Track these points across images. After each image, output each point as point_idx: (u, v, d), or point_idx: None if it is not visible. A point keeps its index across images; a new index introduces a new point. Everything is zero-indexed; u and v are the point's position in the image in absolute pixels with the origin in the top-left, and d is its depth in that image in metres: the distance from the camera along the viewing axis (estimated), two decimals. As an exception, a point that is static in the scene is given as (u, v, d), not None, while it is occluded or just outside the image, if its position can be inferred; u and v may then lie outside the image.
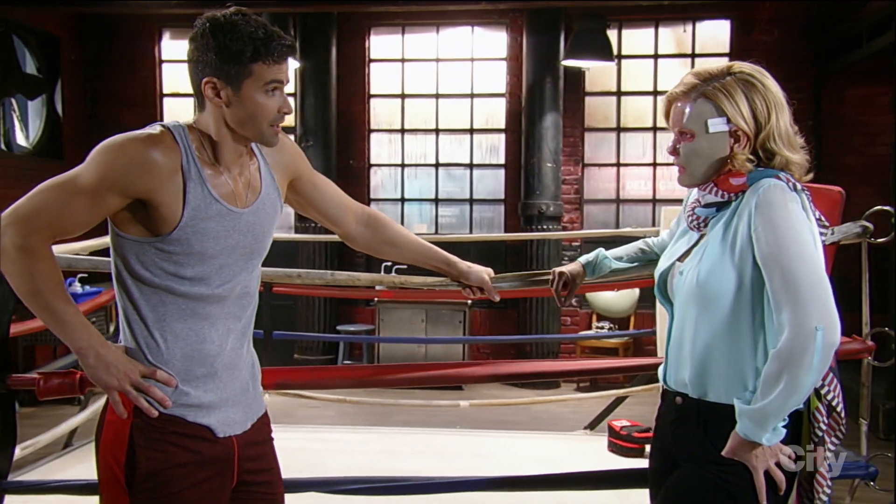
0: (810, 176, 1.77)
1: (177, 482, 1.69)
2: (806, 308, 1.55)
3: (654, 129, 7.84)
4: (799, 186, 1.68)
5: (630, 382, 5.78)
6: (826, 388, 1.69)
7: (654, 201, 7.87)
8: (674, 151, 1.81)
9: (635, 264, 2.19)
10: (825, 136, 7.49)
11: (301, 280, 2.23)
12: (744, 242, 1.66)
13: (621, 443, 4.75)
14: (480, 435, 5.27)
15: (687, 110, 1.75)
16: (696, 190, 1.86)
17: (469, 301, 7.23)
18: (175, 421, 1.70)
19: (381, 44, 8.16)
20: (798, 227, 1.62)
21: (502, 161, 7.99)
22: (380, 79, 8.13)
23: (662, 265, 1.88)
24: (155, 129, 1.70)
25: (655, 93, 7.83)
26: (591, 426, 5.38)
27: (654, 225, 7.71)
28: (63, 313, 1.63)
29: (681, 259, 1.84)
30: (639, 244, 2.20)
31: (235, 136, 1.73)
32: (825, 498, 1.70)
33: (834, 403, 1.69)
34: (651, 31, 7.83)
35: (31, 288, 1.61)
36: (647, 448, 4.69)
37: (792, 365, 1.55)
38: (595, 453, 4.80)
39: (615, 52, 7.41)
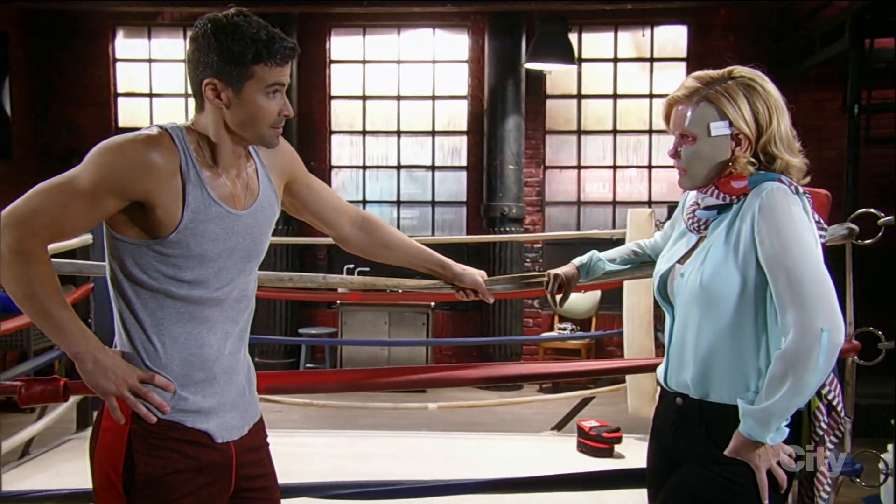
0: (807, 179, 1.79)
1: (176, 489, 1.66)
2: (811, 309, 1.56)
3: (615, 132, 7.93)
4: (801, 189, 1.70)
5: (595, 384, 5.83)
6: (827, 388, 1.71)
7: (615, 203, 7.95)
8: (675, 154, 1.82)
9: (628, 266, 2.21)
10: (779, 140, 7.64)
11: (293, 283, 2.20)
12: (747, 244, 1.68)
13: (591, 443, 4.78)
14: (450, 437, 5.26)
15: (689, 113, 1.77)
16: (693, 192, 1.87)
17: (432, 303, 7.23)
18: (174, 427, 1.67)
19: (341, 45, 8.10)
20: (801, 229, 1.64)
21: (464, 163, 7.99)
22: (341, 80, 8.08)
23: (662, 267, 1.89)
24: (152, 130, 1.67)
25: (615, 96, 7.92)
26: (559, 427, 5.42)
27: (614, 227, 7.80)
28: (60, 318, 1.59)
29: (681, 261, 1.84)
30: (631, 246, 2.22)
31: (235, 138, 1.71)
32: (825, 496, 1.72)
33: (834, 403, 1.72)
34: (610, 35, 7.92)
35: (28, 292, 1.57)
36: (616, 448, 4.78)
37: (797, 366, 1.57)
38: (566, 454, 4.83)
39: (576, 55, 7.47)
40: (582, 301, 7.41)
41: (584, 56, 7.82)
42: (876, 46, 6.39)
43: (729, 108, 1.73)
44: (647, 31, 7.84)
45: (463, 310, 7.80)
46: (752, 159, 1.74)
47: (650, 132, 7.92)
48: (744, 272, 1.68)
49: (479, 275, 2.21)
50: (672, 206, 5.18)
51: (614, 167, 7.95)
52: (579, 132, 7.97)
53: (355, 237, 2.10)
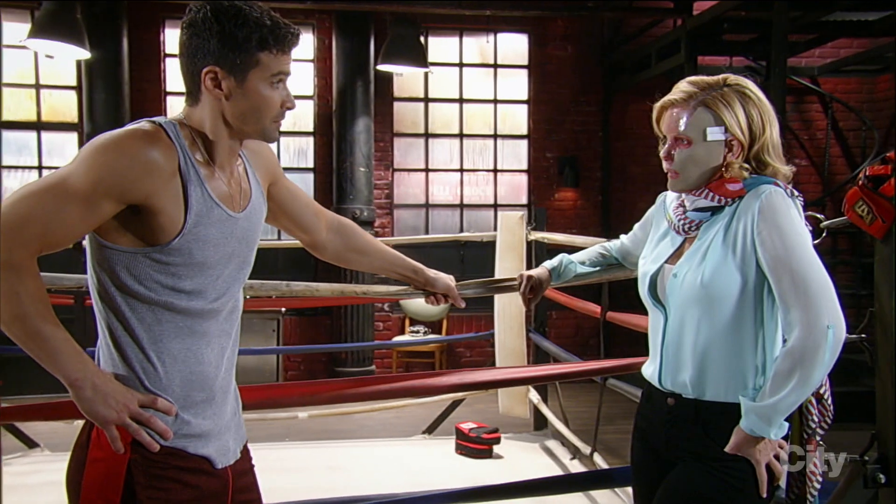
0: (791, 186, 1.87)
1: None
2: (817, 308, 1.64)
3: (461, 135, 8.04)
4: (795, 193, 1.78)
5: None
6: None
7: (462, 206, 8.06)
8: (668, 157, 1.84)
9: (597, 268, 2.22)
10: (613, 147, 8.11)
11: (254, 292, 2.03)
12: (746, 245, 1.73)
13: (471, 444, 4.82)
14: (321, 446, 5.11)
15: (684, 117, 1.79)
16: (672, 194, 1.92)
17: (283, 309, 7.00)
18: (175, 454, 1.52)
19: (177, 37, 7.62)
20: (801, 231, 1.71)
21: (311, 165, 7.79)
22: (178, 75, 7.57)
23: (650, 268, 1.90)
24: (145, 125, 1.51)
25: (461, 100, 8.03)
26: (430, 430, 5.41)
27: (461, 230, 7.92)
28: (54, 340, 1.38)
29: (670, 261, 1.87)
30: (597, 249, 2.24)
31: (232, 133, 1.58)
32: (818, 485, 1.82)
33: (826, 396, 1.82)
34: (456, 40, 8.02)
35: (18, 312, 1.35)
36: (495, 449, 4.84)
37: (805, 362, 1.63)
38: (446, 456, 4.85)
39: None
40: (432, 303, 7.44)
41: (430, 60, 7.86)
42: (703, 63, 6.92)
43: (726, 115, 1.77)
44: (491, 38, 8.02)
45: (311, 315, 7.60)
46: (746, 164, 1.80)
47: (495, 136, 8.10)
48: (743, 272, 1.73)
49: (449, 279, 2.16)
50: (539, 208, 5.32)
51: (461, 170, 8.06)
52: (427, 135, 8.01)
53: (331, 243, 1.99)
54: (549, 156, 8.05)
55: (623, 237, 2.21)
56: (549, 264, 2.19)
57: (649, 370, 1.92)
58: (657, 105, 1.87)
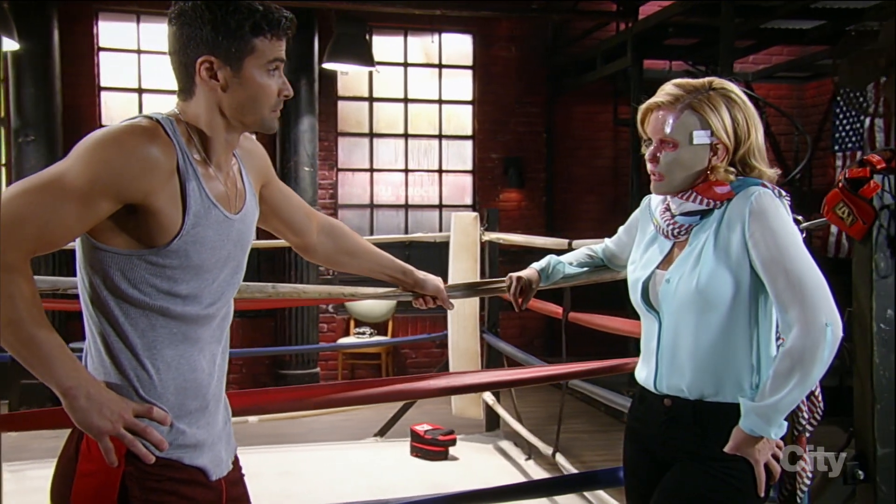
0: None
1: None
2: (814, 307, 1.65)
3: (406, 135, 7.99)
4: (782, 193, 1.79)
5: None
6: (809, 377, 1.82)
7: (407, 207, 8.01)
8: (653, 159, 1.83)
9: (585, 269, 2.21)
10: (557, 148, 8.18)
11: (239, 294, 1.94)
12: (738, 247, 1.73)
13: (427, 447, 4.79)
14: (273, 451, 4.98)
15: (671, 120, 1.78)
16: (657, 197, 1.91)
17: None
18: (171, 465, 1.45)
19: (112, 31, 7.38)
20: (792, 230, 1.73)
21: (254, 163, 7.62)
22: (112, 70, 7.34)
23: (641, 274, 1.88)
24: (143, 121, 1.44)
25: (406, 100, 7.98)
26: (382, 433, 5.35)
27: (406, 231, 7.87)
28: (48, 346, 1.30)
29: (661, 267, 1.86)
30: (584, 251, 2.22)
31: (229, 127, 1.52)
32: (808, 481, 1.84)
33: (816, 392, 1.85)
34: (401, 39, 7.97)
35: (12, 316, 1.26)
36: (451, 451, 4.81)
37: (805, 361, 1.64)
38: (401, 459, 4.80)
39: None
40: (377, 305, 7.38)
41: (375, 59, 7.79)
42: (646, 67, 7.02)
43: (712, 118, 1.76)
44: (436, 38, 7.99)
45: (253, 317, 7.44)
46: (731, 168, 1.80)
47: (440, 137, 8.08)
48: (737, 274, 1.73)
49: (439, 281, 2.12)
50: (492, 209, 5.31)
51: (406, 171, 8.00)
52: (371, 135, 7.93)
53: (322, 245, 1.94)
54: (493, 156, 8.06)
55: (608, 241, 2.20)
56: (537, 265, 2.17)
57: (643, 374, 1.91)
58: (642, 107, 1.85)
